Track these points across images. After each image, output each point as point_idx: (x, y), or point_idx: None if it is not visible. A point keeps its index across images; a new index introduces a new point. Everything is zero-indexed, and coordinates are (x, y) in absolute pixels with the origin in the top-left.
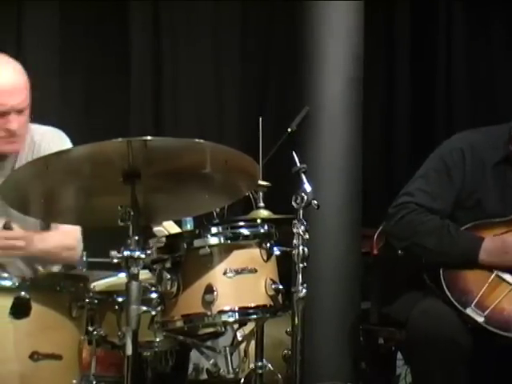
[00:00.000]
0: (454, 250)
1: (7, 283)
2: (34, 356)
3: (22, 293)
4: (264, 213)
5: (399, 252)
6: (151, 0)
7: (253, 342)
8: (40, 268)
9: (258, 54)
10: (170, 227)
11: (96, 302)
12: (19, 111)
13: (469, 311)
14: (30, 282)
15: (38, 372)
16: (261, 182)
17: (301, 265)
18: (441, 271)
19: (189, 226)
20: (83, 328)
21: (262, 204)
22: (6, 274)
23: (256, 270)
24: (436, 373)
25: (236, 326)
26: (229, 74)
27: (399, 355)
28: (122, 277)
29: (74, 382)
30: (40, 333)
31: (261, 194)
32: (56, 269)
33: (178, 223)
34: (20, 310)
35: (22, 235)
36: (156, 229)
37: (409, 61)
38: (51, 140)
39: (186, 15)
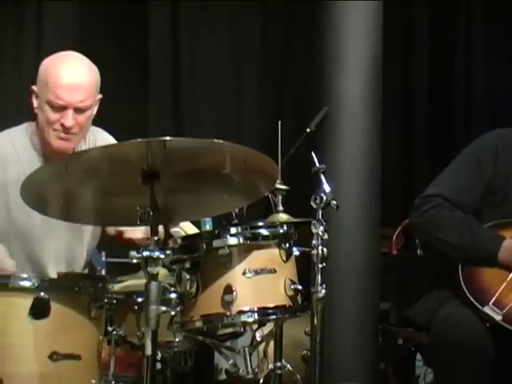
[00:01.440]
0: (474, 246)
1: (26, 284)
2: (54, 356)
3: (42, 293)
4: (283, 216)
5: (419, 252)
6: (170, 0)
7: (272, 343)
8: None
9: (277, 54)
10: (187, 228)
11: (115, 302)
12: (78, 110)
13: (487, 309)
14: (49, 282)
15: (58, 372)
16: (280, 186)
17: (320, 265)
18: (459, 269)
19: (208, 227)
20: (102, 328)
21: (281, 208)
22: (25, 275)
23: (275, 271)
24: (459, 377)
25: (255, 326)
26: (248, 74)
27: (418, 356)
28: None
29: (93, 382)
30: (59, 333)
31: (280, 197)
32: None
33: (197, 224)
34: (39, 310)
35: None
36: (173, 230)
37: (427, 60)
38: (106, 138)
39: (205, 15)
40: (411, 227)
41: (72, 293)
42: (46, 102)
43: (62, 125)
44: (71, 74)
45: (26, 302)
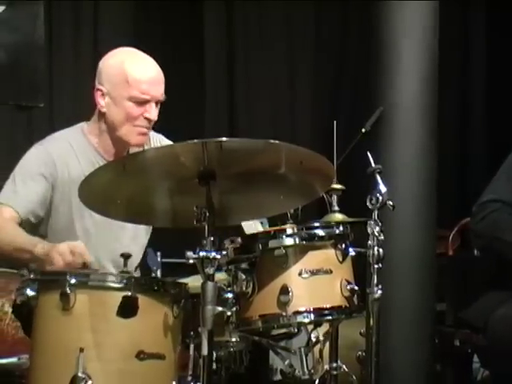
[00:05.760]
0: None
1: (114, 283)
2: (140, 355)
3: (130, 292)
4: (339, 216)
5: (475, 252)
6: (225, 0)
7: (327, 343)
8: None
9: (332, 54)
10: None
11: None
12: (157, 103)
13: None
14: (135, 281)
15: (143, 371)
16: (335, 186)
17: (376, 266)
18: None
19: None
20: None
21: (336, 208)
22: (112, 277)
23: (331, 271)
24: None
25: (311, 326)
26: (302, 74)
27: (475, 358)
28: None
29: (174, 383)
30: (146, 332)
31: (335, 197)
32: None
33: None
34: (128, 309)
35: None
36: (245, 224)
37: (485, 61)
38: (166, 142)
39: (259, 15)
40: (471, 235)
41: (157, 292)
42: (128, 98)
43: (146, 118)
44: (151, 69)
45: (115, 300)
